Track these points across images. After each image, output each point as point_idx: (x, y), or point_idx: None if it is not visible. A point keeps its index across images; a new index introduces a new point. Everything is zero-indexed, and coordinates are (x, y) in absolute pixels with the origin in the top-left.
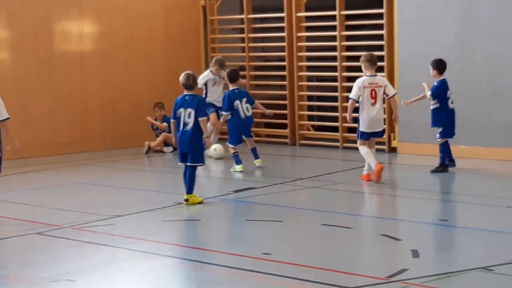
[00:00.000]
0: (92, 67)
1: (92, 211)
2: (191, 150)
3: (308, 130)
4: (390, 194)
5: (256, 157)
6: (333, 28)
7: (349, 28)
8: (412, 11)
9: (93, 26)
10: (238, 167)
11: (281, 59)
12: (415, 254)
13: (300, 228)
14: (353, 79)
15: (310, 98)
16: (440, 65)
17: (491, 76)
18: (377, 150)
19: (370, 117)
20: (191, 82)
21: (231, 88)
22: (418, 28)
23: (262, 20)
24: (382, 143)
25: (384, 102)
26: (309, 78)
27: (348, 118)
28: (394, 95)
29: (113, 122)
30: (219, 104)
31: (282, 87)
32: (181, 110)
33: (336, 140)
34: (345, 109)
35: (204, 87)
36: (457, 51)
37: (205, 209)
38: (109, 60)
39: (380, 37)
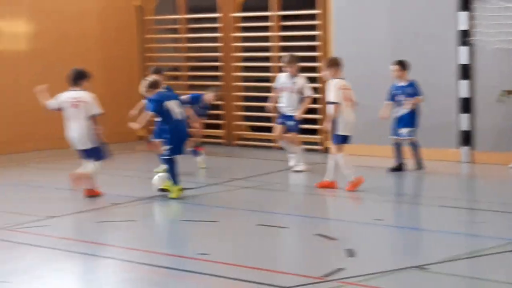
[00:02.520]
0: (26, 67)
1: (25, 212)
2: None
3: (244, 130)
4: (325, 194)
5: None
6: (268, 28)
7: (284, 28)
8: (346, 12)
9: (26, 25)
10: None
11: (216, 59)
12: (350, 253)
13: (236, 228)
14: None
15: (246, 99)
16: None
17: (422, 76)
18: (313, 150)
19: (349, 120)
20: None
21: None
22: (351, 29)
23: (198, 20)
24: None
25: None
26: (245, 79)
27: (329, 124)
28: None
29: (45, 122)
30: None
31: (218, 88)
32: None
33: (272, 141)
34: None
35: None
36: (389, 51)
37: (141, 210)
38: (42, 60)
39: (314, 38)
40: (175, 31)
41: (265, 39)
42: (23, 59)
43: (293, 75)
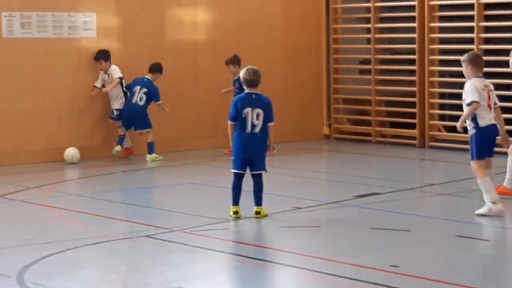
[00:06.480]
0: (205, 58)
1: (203, 214)
2: (260, 156)
3: (439, 130)
4: None
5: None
6: (470, 18)
7: (488, 18)
8: None
9: (206, 14)
10: (118, 147)
11: (411, 52)
12: None
13: (432, 239)
14: (492, 75)
15: (442, 96)
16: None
17: None
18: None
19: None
20: (259, 79)
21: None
22: None
23: (391, 8)
24: None
25: None
26: (442, 74)
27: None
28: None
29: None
30: None
31: (411, 83)
32: (248, 110)
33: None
34: None
35: None
36: None
37: (326, 215)
38: (223, 50)
39: None
40: (365, 20)
41: (466, 29)
42: (203, 50)
43: None
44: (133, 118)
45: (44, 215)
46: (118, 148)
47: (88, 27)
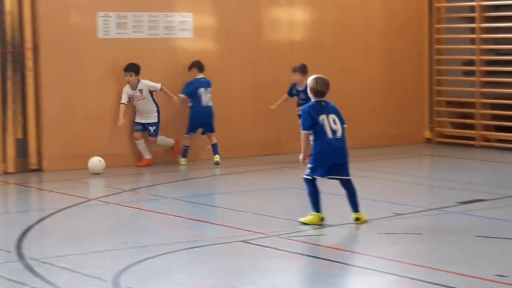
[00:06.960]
0: (302, 58)
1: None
2: (346, 161)
3: None
4: None
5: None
6: None
7: None
8: None
9: (304, 13)
10: (183, 160)
11: None
12: None
13: None
14: None
15: None
16: None
17: None
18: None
19: None
20: (328, 89)
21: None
22: None
23: (496, 7)
24: None
25: None
26: None
27: None
28: None
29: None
30: None
31: None
32: (323, 116)
33: None
34: None
35: None
36: None
37: (428, 222)
38: (321, 51)
39: None
40: (469, 20)
41: None
42: (300, 51)
43: None
44: (207, 121)
45: (139, 218)
46: (183, 161)
47: (185, 27)
